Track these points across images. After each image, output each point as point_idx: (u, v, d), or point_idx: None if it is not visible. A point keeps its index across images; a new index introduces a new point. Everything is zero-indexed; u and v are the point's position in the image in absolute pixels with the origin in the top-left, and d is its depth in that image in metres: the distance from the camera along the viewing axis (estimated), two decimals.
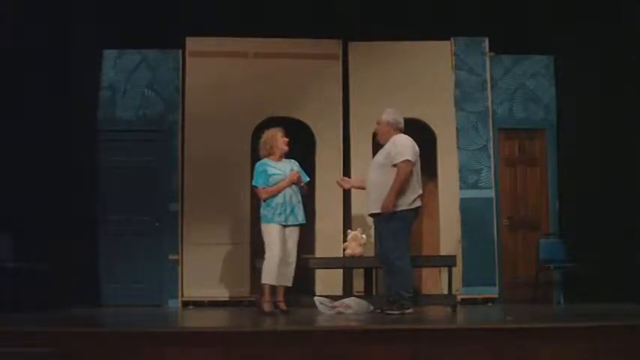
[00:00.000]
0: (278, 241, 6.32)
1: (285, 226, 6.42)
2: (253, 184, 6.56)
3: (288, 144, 6.64)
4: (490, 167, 8.48)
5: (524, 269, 8.54)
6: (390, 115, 6.40)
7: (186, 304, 8.08)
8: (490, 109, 8.56)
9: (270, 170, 6.51)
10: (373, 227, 6.71)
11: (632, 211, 7.50)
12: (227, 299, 8.05)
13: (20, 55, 7.31)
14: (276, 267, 6.26)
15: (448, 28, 8.46)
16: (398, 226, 6.10)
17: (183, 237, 8.21)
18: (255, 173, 6.57)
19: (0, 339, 4.22)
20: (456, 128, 8.47)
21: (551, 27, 8.41)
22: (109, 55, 8.46)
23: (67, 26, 7.81)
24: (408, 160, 6.09)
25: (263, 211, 6.48)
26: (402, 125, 6.40)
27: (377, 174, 6.25)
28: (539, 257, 8.24)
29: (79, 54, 7.98)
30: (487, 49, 8.61)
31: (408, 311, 6.02)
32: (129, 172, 8.36)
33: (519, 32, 8.42)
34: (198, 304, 8.03)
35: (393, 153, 6.17)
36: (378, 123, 6.46)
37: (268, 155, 6.61)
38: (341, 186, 7.00)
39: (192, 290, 8.10)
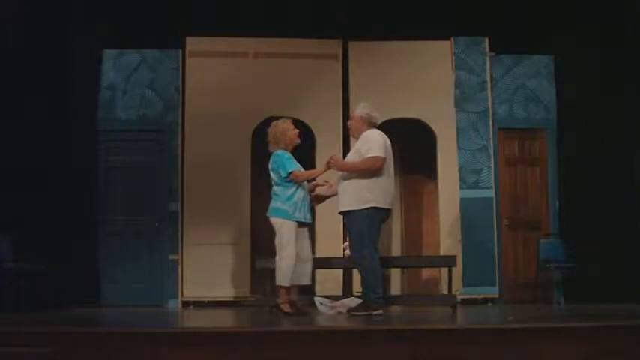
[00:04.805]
0: (295, 240, 6.01)
1: (300, 224, 6.09)
2: (288, 170, 6.01)
3: (300, 135, 6.32)
4: (490, 167, 8.48)
5: (524, 269, 8.55)
6: (363, 109, 6.05)
7: (186, 304, 8.10)
8: (490, 109, 8.56)
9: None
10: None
11: (632, 211, 7.50)
12: (227, 299, 8.06)
13: (20, 54, 7.31)
14: (292, 268, 5.97)
15: (448, 28, 8.46)
16: (365, 225, 5.77)
17: (183, 237, 8.21)
18: (282, 161, 6.05)
19: (0, 339, 4.22)
20: (456, 128, 8.47)
21: (551, 27, 8.41)
22: (109, 55, 8.47)
23: (67, 26, 7.81)
24: (377, 156, 5.77)
25: (282, 206, 6.02)
26: (375, 120, 6.04)
27: (347, 172, 5.97)
28: (539, 257, 8.24)
29: (79, 54, 7.99)
30: (487, 49, 8.61)
31: (376, 312, 5.70)
32: (129, 172, 8.37)
33: (519, 32, 8.42)
34: (198, 304, 8.04)
35: (363, 150, 5.85)
36: (352, 118, 6.13)
37: (280, 149, 6.20)
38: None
39: (192, 290, 8.11)
